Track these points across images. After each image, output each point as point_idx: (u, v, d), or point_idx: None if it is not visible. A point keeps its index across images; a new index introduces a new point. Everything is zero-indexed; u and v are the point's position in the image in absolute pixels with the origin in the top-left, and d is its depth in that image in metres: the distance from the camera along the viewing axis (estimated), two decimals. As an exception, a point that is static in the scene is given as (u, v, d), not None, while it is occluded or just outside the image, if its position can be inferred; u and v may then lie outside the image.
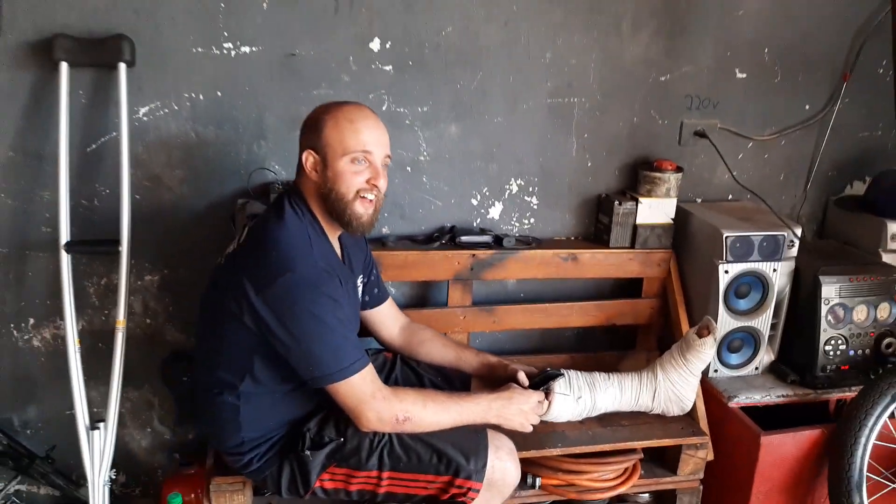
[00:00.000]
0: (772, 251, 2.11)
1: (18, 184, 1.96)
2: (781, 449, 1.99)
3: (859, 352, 2.15)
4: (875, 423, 1.95)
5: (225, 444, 1.66)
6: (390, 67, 2.06)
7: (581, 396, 1.96)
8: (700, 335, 1.98)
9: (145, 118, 1.97)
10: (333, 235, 1.68)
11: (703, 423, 2.04)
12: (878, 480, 2.00)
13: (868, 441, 1.95)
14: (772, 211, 2.20)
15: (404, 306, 2.17)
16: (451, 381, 1.93)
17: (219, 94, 1.99)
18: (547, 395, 1.87)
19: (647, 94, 2.26)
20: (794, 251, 2.15)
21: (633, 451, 1.98)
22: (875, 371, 2.13)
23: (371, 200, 1.59)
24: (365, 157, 1.56)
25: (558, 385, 1.90)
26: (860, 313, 2.13)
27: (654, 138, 2.32)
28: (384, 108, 2.08)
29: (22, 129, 1.92)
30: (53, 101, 1.86)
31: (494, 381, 1.88)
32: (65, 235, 1.87)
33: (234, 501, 1.80)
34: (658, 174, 2.20)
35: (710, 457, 2.03)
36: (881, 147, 2.50)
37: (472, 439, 1.65)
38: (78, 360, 1.89)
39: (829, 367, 2.13)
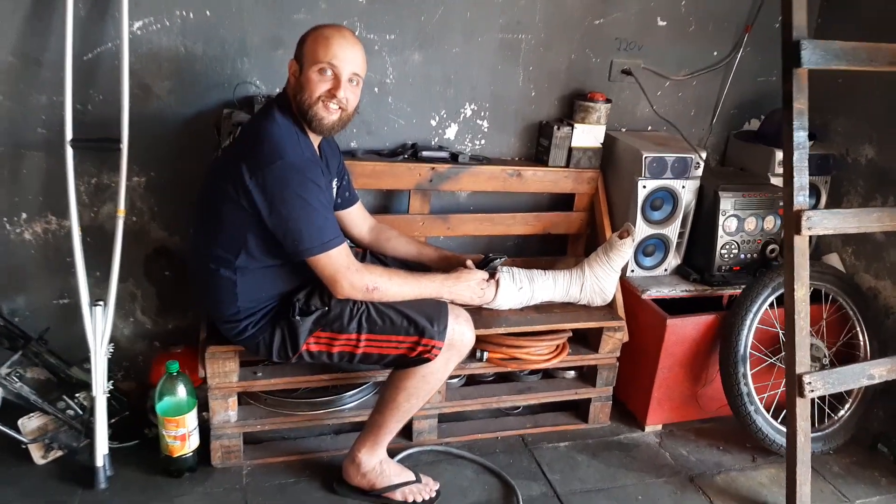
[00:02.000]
0: (682, 170, 2.52)
1: (17, 87, 2.13)
2: (683, 330, 2.42)
3: (748, 256, 2.60)
4: (758, 310, 2.41)
5: (223, 314, 1.93)
6: (363, -3, 2.33)
7: (522, 287, 2.33)
8: (621, 237, 2.38)
9: (139, 32, 2.17)
10: (314, 139, 1.94)
11: (621, 311, 2.45)
12: (759, 356, 2.46)
13: (752, 324, 2.40)
14: (683, 138, 2.61)
15: (371, 212, 2.46)
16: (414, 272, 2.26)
17: (208, 13, 2.21)
18: (493, 275, 2.23)
19: (583, 35, 2.61)
20: (700, 171, 2.56)
21: (563, 331, 2.38)
22: (760, 270, 2.59)
23: (333, 109, 1.82)
24: (331, 68, 1.79)
25: (500, 269, 2.26)
26: (750, 224, 2.57)
27: (588, 74, 2.67)
28: (356, 34, 2.34)
29: (23, 36, 2.09)
30: (55, 8, 2.05)
31: (450, 271, 2.21)
32: (69, 133, 2.07)
33: (225, 367, 2.08)
34: (591, 104, 2.56)
35: (626, 338, 2.45)
36: (775, 90, 2.91)
37: (436, 307, 1.98)
38: (80, 246, 2.10)
39: (723, 267, 2.57)
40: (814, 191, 2.79)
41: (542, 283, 2.37)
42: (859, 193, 2.75)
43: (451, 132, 2.60)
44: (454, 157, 2.50)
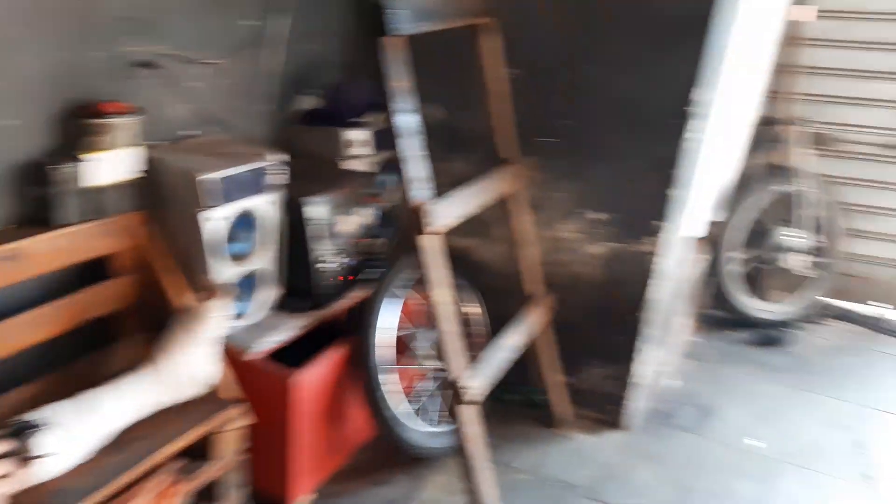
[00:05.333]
0: (254, 186, 1.96)
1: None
2: (314, 379, 2.01)
3: (347, 260, 2.24)
4: (377, 321, 2.14)
5: None
6: None
7: (81, 432, 1.54)
8: (202, 300, 1.77)
9: None
10: None
11: (231, 390, 1.87)
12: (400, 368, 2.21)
13: (377, 337, 2.14)
14: (248, 143, 2.03)
15: None
16: None
17: None
18: (23, 453, 1.41)
19: (69, 20, 1.75)
20: (281, 178, 2.04)
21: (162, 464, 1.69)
22: (360, 271, 2.28)
23: None
24: None
25: (40, 440, 1.45)
26: (344, 224, 2.20)
27: (88, 76, 1.83)
28: None
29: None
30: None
31: None
32: None
33: None
34: (106, 121, 1.76)
35: (251, 421, 1.90)
36: (322, 59, 2.52)
37: None
38: None
39: (328, 283, 2.17)
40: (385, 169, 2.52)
41: (102, 408, 1.60)
42: (437, 158, 2.54)
43: None
44: None
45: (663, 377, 2.77)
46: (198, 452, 1.81)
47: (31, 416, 1.46)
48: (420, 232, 1.75)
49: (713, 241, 3.20)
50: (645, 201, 2.23)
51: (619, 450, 2.40)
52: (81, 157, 1.75)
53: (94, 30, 1.82)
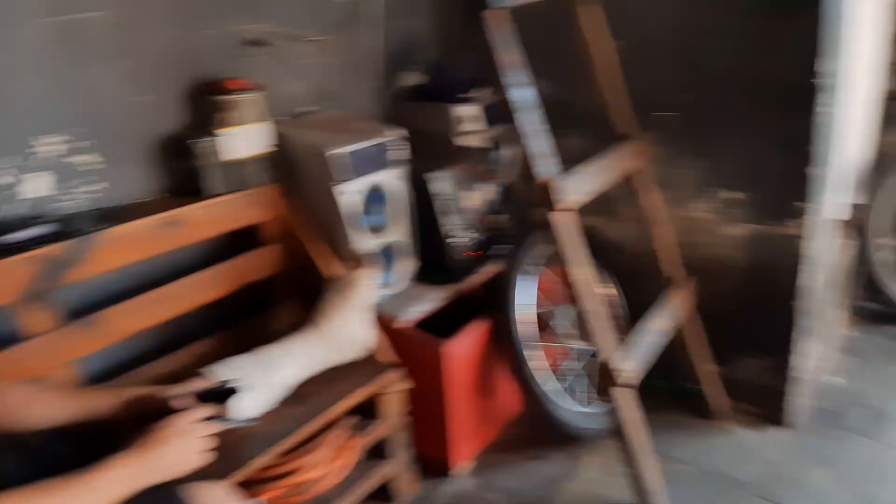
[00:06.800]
0: (379, 161, 1.94)
1: None
2: (462, 351, 1.93)
3: (475, 235, 2.19)
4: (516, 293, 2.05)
5: None
6: None
7: (261, 384, 1.51)
8: (353, 270, 1.73)
9: None
10: None
11: (389, 356, 1.82)
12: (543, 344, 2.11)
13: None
14: (366, 118, 2.03)
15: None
16: (89, 438, 1.24)
17: None
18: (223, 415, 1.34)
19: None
20: (403, 156, 2.03)
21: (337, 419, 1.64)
22: (489, 247, 2.22)
23: None
24: None
25: (238, 402, 1.40)
26: (467, 200, 2.16)
27: (209, 55, 1.85)
28: None
29: None
30: None
31: (152, 420, 1.23)
32: None
33: None
34: (232, 97, 1.77)
35: (409, 385, 1.83)
36: (419, 35, 2.54)
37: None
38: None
39: (458, 257, 2.12)
40: (497, 145, 2.51)
41: (281, 364, 1.58)
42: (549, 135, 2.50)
43: (37, 186, 1.53)
44: (67, 227, 1.47)
45: (824, 373, 2.58)
46: (365, 412, 1.77)
47: (229, 379, 1.41)
48: (551, 208, 1.65)
49: (858, 226, 2.93)
50: (782, 180, 2.07)
51: (786, 449, 2.17)
52: (217, 132, 1.76)
53: (203, 9, 1.84)
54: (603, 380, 1.71)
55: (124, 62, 1.66)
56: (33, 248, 1.40)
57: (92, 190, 1.64)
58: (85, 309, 1.55)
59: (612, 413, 1.73)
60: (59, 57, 1.55)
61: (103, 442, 1.21)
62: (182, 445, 1.17)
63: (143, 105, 1.71)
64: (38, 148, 1.53)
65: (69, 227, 1.47)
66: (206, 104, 1.78)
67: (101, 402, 1.28)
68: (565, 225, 1.66)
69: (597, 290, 1.74)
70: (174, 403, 1.27)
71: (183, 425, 1.19)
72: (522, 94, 1.62)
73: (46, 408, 1.23)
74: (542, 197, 1.63)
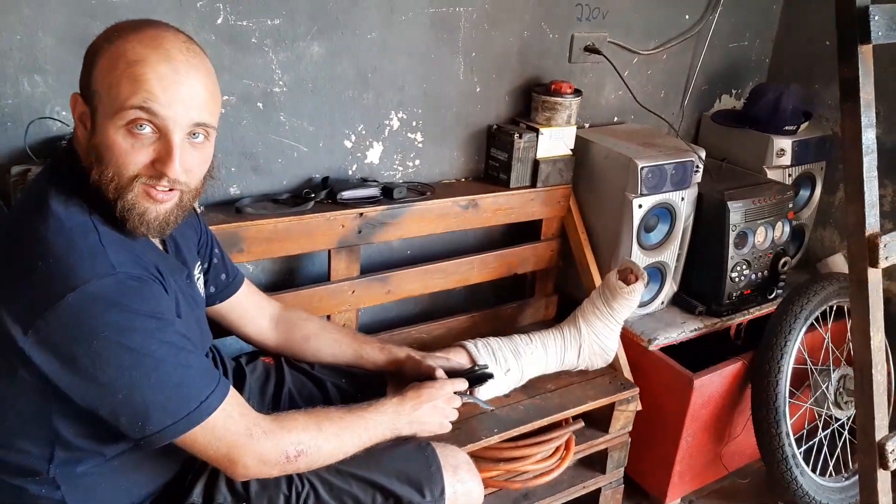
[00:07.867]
0: (681, 179, 1.93)
1: None
2: (711, 388, 1.89)
3: (759, 274, 2.09)
4: (793, 347, 1.93)
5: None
6: (226, -38, 1.48)
7: (509, 369, 1.67)
8: (627, 281, 1.77)
9: None
10: None
11: (628, 373, 1.87)
12: (792, 402, 1.98)
13: (788, 365, 1.91)
14: (676, 134, 2.02)
15: (269, 288, 1.68)
16: (362, 382, 1.50)
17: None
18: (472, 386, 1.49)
19: (538, 4, 1.91)
20: (699, 177, 2.00)
21: (565, 421, 1.75)
22: (770, 290, 2.11)
23: (163, 194, 1.00)
24: (151, 121, 0.96)
25: (485, 387, 1.57)
26: (760, 235, 2.06)
27: (544, 56, 1.99)
28: (219, 22, 1.50)
29: None
30: None
31: (407, 380, 1.44)
32: None
33: None
34: (558, 99, 1.89)
35: (639, 407, 1.87)
36: (747, 58, 2.43)
37: (420, 462, 1.27)
38: None
39: (734, 293, 2.04)
40: (808, 180, 2.33)
41: (531, 355, 1.72)
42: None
43: (373, 154, 1.83)
44: (387, 193, 1.74)
45: None
46: (588, 420, 1.83)
47: (484, 365, 1.58)
48: (873, 265, 1.53)
49: None
50: None
51: None
52: (538, 128, 1.89)
53: (554, 11, 1.96)
54: (867, 458, 1.59)
55: (472, 54, 1.86)
56: (360, 206, 1.69)
57: (410, 165, 1.89)
58: (372, 267, 1.83)
59: (864, 494, 1.61)
60: (428, 43, 1.78)
61: (370, 385, 1.47)
62: (439, 410, 1.35)
63: (472, 95, 1.91)
64: (388, 122, 1.81)
65: (389, 194, 1.74)
66: (534, 102, 1.93)
67: (373, 352, 1.50)
68: (876, 284, 1.55)
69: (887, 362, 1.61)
70: (437, 374, 1.45)
71: (444, 393, 1.36)
72: (868, 136, 1.51)
73: (333, 344, 1.49)
74: (862, 250, 1.53)
